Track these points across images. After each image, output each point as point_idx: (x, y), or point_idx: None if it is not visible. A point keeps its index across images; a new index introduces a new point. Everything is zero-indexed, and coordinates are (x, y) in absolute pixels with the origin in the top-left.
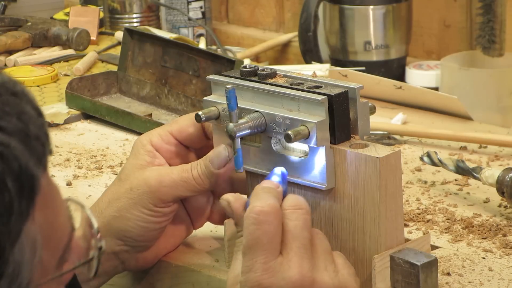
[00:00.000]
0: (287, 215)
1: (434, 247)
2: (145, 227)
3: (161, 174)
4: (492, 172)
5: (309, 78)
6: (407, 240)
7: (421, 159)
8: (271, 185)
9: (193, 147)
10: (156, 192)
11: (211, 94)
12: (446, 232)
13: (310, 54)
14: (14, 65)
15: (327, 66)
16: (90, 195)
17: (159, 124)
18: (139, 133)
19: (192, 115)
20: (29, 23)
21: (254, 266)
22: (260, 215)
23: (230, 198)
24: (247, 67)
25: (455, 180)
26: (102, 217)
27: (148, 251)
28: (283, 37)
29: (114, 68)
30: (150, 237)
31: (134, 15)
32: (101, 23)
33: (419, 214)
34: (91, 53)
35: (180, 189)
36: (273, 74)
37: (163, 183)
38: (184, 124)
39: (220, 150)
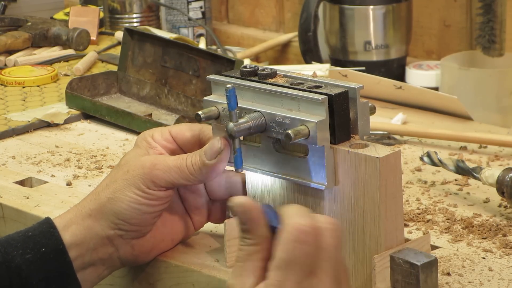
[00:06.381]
0: (324, 233)
1: (434, 247)
2: (137, 209)
3: (157, 158)
4: (492, 172)
5: (309, 78)
6: (407, 240)
7: (421, 159)
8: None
9: (188, 151)
10: (149, 174)
11: (211, 94)
12: (446, 232)
13: (310, 54)
14: (14, 65)
15: (327, 66)
16: None
17: (159, 124)
18: (139, 133)
19: (192, 123)
20: (29, 23)
21: (285, 284)
22: (304, 234)
23: (246, 203)
24: (247, 67)
25: (455, 180)
26: (98, 199)
27: (144, 240)
28: (283, 37)
29: (114, 68)
30: (143, 221)
31: (134, 15)
32: (101, 23)
33: (419, 214)
34: (91, 53)
35: (173, 175)
36: (273, 74)
37: (157, 166)
38: (182, 127)
39: (213, 142)
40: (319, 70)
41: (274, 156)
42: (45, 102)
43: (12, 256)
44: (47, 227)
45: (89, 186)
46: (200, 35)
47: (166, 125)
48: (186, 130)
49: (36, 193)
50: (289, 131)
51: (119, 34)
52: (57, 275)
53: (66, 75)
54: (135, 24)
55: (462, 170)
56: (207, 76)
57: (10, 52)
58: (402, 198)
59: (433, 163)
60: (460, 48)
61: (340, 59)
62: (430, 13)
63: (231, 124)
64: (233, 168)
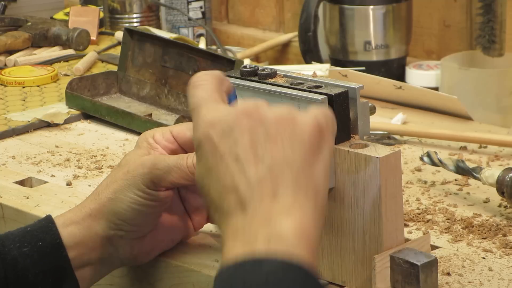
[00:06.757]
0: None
1: (434, 247)
2: (137, 210)
3: (157, 158)
4: (492, 172)
5: (309, 78)
6: (407, 240)
7: (421, 159)
8: None
9: (190, 151)
10: (149, 174)
11: None
12: (446, 232)
13: (310, 54)
14: (14, 65)
15: (327, 66)
16: None
17: (159, 124)
18: (139, 133)
19: (192, 122)
20: (29, 23)
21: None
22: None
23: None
24: (247, 67)
25: (455, 180)
26: (99, 199)
27: (144, 240)
28: (283, 37)
29: (114, 68)
30: (143, 222)
31: (134, 15)
32: (101, 23)
33: (419, 214)
34: (91, 53)
35: (173, 175)
36: (273, 74)
37: (157, 166)
38: (183, 127)
39: None
40: (319, 70)
41: None
42: (45, 102)
43: (9, 249)
44: (46, 222)
45: (89, 186)
46: (200, 35)
47: (166, 125)
48: (187, 130)
49: (36, 193)
50: None
51: (119, 34)
52: (53, 269)
53: (66, 75)
54: (135, 24)
55: (462, 170)
56: None
57: (10, 52)
58: (402, 198)
59: (433, 163)
60: (460, 48)
61: (340, 59)
62: (430, 13)
63: None
64: None
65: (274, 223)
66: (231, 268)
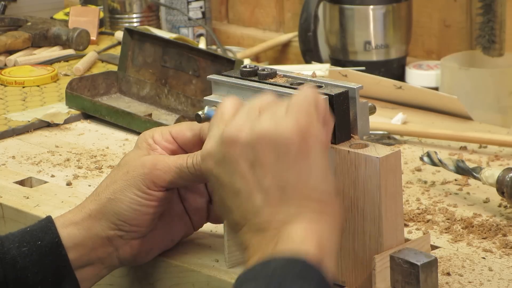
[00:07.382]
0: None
1: (434, 247)
2: (137, 210)
3: (157, 158)
4: (492, 172)
5: (309, 78)
6: (407, 240)
7: (421, 159)
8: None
9: (189, 151)
10: (149, 174)
11: (211, 94)
12: (446, 232)
13: (310, 54)
14: (14, 65)
15: (327, 66)
16: None
17: (159, 124)
18: (139, 133)
19: (192, 122)
20: (29, 23)
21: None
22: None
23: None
24: (247, 67)
25: (455, 180)
26: (99, 200)
27: (143, 240)
28: (283, 37)
29: (114, 68)
30: (143, 222)
31: (134, 15)
32: (101, 23)
33: (419, 214)
34: (91, 53)
35: (173, 175)
36: (273, 74)
37: (157, 166)
38: (183, 127)
39: None
40: (319, 70)
41: None
42: (45, 102)
43: (8, 249)
44: (46, 222)
45: (89, 186)
46: (200, 35)
47: (166, 125)
48: (187, 130)
49: (36, 193)
50: None
51: (119, 34)
52: (53, 268)
53: (66, 75)
54: (135, 24)
55: (462, 170)
56: (208, 76)
57: (10, 52)
58: (402, 198)
59: (433, 163)
60: (460, 48)
61: (340, 59)
62: (430, 13)
63: None
64: None
65: (283, 232)
66: (243, 273)
